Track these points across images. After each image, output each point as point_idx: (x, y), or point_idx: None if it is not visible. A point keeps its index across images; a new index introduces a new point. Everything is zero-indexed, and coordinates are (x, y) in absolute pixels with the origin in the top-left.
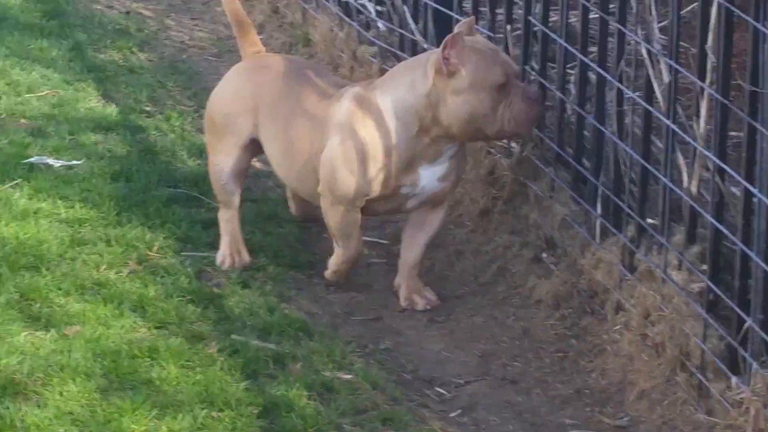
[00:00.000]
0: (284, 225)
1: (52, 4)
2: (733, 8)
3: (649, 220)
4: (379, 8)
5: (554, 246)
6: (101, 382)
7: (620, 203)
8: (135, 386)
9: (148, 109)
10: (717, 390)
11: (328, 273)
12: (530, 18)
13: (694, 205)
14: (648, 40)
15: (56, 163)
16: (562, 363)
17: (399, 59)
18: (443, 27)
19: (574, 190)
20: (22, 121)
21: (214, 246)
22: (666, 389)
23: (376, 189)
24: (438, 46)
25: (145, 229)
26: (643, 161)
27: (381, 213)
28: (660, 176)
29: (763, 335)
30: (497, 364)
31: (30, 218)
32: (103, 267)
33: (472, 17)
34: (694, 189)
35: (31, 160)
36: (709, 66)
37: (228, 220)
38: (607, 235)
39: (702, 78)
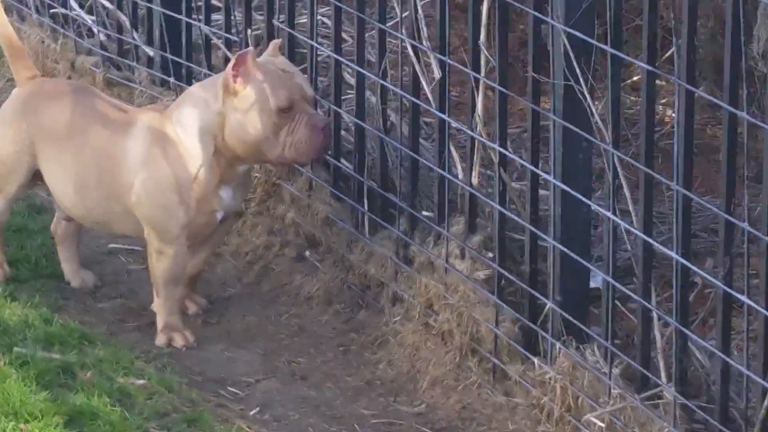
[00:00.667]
0: (35, 236)
1: None
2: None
3: (425, 213)
4: (92, 18)
5: (317, 244)
6: None
7: (392, 197)
8: None
9: None
10: (514, 372)
11: (160, 337)
12: (274, 21)
13: (478, 194)
14: (413, 36)
15: None
16: (347, 356)
17: (120, 67)
18: (173, 32)
19: (334, 188)
20: None
21: None
22: (458, 375)
23: (196, 217)
24: (167, 52)
25: None
26: (413, 154)
27: (195, 241)
28: (437, 169)
29: (566, 315)
30: (282, 362)
31: None
32: None
33: (279, 40)
34: (475, 180)
35: None
36: (483, 60)
37: None
38: (376, 230)
39: (477, 70)
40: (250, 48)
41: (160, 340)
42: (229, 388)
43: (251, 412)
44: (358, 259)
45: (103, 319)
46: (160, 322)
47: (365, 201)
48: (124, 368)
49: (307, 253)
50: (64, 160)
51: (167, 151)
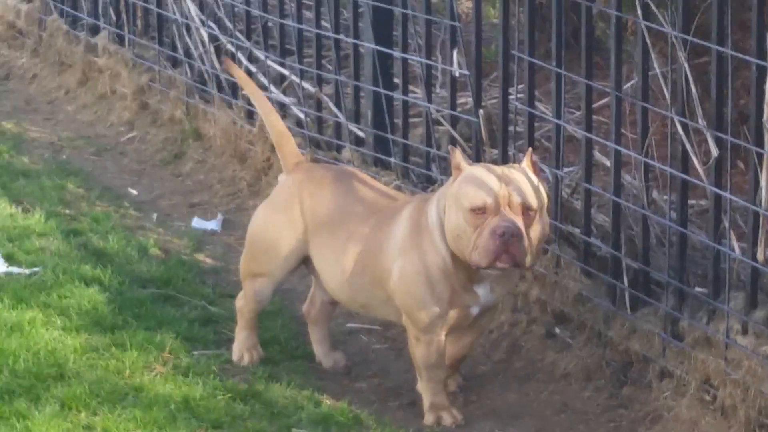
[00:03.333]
0: (275, 317)
1: None
2: None
3: (698, 289)
4: (291, 99)
5: (567, 320)
6: None
7: (657, 274)
8: None
9: (67, 212)
10: None
11: (428, 416)
12: (511, 99)
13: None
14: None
15: (15, 271)
16: None
17: (321, 145)
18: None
19: (585, 264)
20: None
21: (220, 343)
22: None
23: (449, 311)
24: (384, 130)
25: (149, 332)
26: (684, 230)
27: (454, 331)
28: (715, 245)
29: None
30: None
31: (27, 329)
32: (127, 372)
33: (530, 149)
34: (761, 256)
35: None
36: (766, 137)
37: (249, 318)
38: (637, 306)
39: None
40: (458, 147)
41: (429, 419)
42: None
43: None
44: (618, 335)
45: (364, 399)
46: (426, 402)
47: (624, 277)
48: None
49: (557, 329)
50: (334, 245)
51: (420, 242)
